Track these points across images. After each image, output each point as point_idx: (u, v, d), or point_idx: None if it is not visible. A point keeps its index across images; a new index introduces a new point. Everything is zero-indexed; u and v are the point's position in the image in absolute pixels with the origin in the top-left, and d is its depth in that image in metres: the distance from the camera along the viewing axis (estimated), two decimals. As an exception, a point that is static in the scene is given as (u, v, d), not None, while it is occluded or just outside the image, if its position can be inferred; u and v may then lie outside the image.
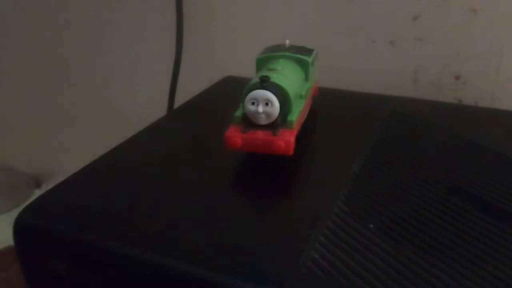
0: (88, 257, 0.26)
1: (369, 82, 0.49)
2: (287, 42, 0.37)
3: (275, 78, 0.31)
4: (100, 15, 0.65)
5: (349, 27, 0.51)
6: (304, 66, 0.35)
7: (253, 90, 0.30)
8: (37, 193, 0.79)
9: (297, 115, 0.31)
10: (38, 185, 0.84)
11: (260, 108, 0.30)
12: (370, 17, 0.50)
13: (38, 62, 0.74)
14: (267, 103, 0.30)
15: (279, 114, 0.30)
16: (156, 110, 0.47)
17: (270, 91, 0.30)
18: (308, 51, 0.37)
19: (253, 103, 0.30)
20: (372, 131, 0.36)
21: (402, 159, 0.32)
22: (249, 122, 0.31)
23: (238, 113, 0.31)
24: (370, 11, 0.50)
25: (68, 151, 0.78)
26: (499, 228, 0.25)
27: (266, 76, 0.30)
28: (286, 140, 0.29)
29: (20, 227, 0.28)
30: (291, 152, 0.30)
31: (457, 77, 0.49)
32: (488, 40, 0.47)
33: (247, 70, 0.37)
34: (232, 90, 0.33)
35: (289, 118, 0.31)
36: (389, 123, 0.38)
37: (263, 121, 0.30)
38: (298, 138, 0.31)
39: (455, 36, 0.48)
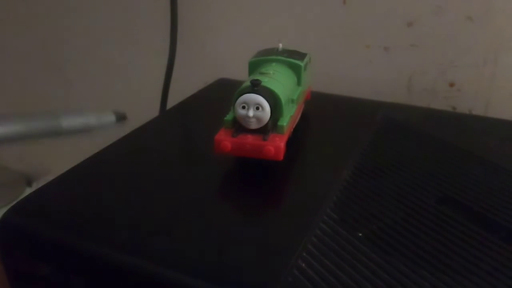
0: (71, 260, 0.26)
1: (363, 87, 0.48)
2: (281, 46, 0.37)
3: (267, 82, 0.30)
4: (94, 17, 0.65)
5: (344, 32, 0.51)
6: (296, 70, 0.35)
7: (244, 94, 0.29)
8: (28, 191, 0.77)
9: (288, 120, 0.31)
10: (29, 183, 0.83)
11: (251, 113, 0.29)
12: (364, 23, 0.50)
13: (31, 61, 0.73)
14: (257, 107, 0.29)
15: (270, 118, 0.30)
16: (150, 111, 0.46)
17: (261, 95, 0.29)
18: (301, 55, 0.36)
19: (243, 107, 0.29)
20: (364, 137, 0.36)
21: (393, 167, 0.32)
22: (239, 126, 0.30)
23: (229, 116, 0.31)
24: (365, 17, 0.49)
25: (60, 149, 0.77)
26: (488, 239, 0.25)
27: (257, 80, 0.30)
28: (276, 146, 0.29)
29: (4, 227, 0.27)
30: (281, 157, 0.29)
31: (451, 84, 0.49)
32: (483, 48, 0.46)
33: (240, 72, 0.37)
34: (224, 92, 0.32)
35: (280, 123, 0.30)
36: (381, 129, 0.37)
37: (254, 125, 0.30)
38: (289, 143, 0.31)
39: (450, 43, 0.47)
